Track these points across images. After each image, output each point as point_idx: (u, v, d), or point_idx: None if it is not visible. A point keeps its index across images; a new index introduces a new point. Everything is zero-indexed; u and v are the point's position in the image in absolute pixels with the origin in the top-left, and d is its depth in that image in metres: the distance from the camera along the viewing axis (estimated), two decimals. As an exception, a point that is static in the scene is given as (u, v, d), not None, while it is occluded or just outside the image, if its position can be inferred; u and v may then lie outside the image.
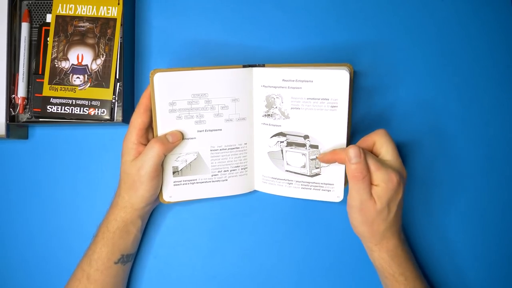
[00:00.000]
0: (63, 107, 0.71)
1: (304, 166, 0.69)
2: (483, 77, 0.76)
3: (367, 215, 0.63)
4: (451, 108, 0.75)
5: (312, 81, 0.66)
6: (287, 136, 0.69)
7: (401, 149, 0.75)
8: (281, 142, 0.69)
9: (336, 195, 0.69)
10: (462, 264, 0.74)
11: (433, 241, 0.74)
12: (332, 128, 0.67)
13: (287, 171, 0.70)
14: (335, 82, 0.65)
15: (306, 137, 0.68)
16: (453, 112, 0.75)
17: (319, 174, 0.69)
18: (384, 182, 0.62)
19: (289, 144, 0.69)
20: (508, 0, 0.76)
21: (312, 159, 0.68)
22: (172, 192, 0.69)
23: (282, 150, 0.69)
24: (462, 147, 0.75)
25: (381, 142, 0.65)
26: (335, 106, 0.66)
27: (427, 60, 0.76)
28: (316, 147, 0.68)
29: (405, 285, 0.66)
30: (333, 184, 0.69)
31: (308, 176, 0.69)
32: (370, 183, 0.62)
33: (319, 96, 0.66)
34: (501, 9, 0.76)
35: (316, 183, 0.69)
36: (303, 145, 0.68)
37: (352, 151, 0.62)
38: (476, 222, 0.75)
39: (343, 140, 0.67)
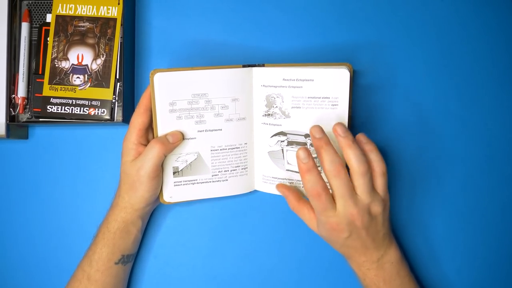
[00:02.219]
0: (63, 107, 0.71)
1: None
2: (483, 77, 0.76)
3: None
4: (451, 108, 0.75)
5: (312, 80, 0.66)
6: (288, 135, 0.69)
7: (401, 149, 0.75)
8: (281, 141, 0.69)
9: None
10: (463, 264, 0.74)
11: (433, 242, 0.74)
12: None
13: (287, 170, 0.70)
14: (336, 80, 0.65)
15: (307, 136, 0.68)
16: (453, 112, 0.75)
17: (321, 173, 0.69)
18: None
19: (290, 143, 0.69)
20: (508, 0, 0.76)
21: (313, 158, 0.68)
22: (172, 193, 0.69)
23: (282, 150, 0.70)
24: (462, 147, 0.75)
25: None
26: (335, 105, 0.66)
27: (427, 60, 0.76)
28: None
29: None
30: None
31: None
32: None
33: (320, 95, 0.66)
34: (501, 9, 0.76)
35: None
36: (304, 144, 0.68)
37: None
38: (476, 222, 0.75)
39: None
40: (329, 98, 0.66)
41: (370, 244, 0.63)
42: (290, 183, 0.70)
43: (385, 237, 0.65)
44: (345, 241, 0.63)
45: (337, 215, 0.61)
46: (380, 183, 0.62)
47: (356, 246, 0.64)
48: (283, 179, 0.71)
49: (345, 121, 0.66)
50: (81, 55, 0.72)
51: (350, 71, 0.66)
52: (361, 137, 0.63)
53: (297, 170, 0.69)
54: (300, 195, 0.68)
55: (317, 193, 0.61)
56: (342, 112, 0.66)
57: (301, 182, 0.69)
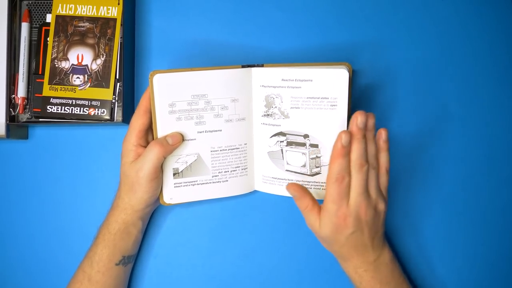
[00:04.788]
0: (63, 107, 0.71)
1: (304, 166, 0.69)
2: (483, 77, 0.76)
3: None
4: (451, 108, 0.75)
5: (311, 80, 0.66)
6: (287, 135, 0.69)
7: (401, 149, 0.75)
8: (281, 141, 0.69)
9: None
10: (463, 263, 0.75)
11: (433, 241, 0.75)
12: (332, 127, 0.67)
13: (287, 170, 0.70)
14: (334, 81, 0.65)
15: (306, 136, 0.68)
16: (453, 112, 0.75)
17: (319, 173, 0.69)
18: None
19: (289, 143, 0.69)
20: (508, 0, 0.76)
21: (312, 158, 0.68)
22: (172, 194, 0.69)
23: (282, 150, 0.70)
24: (462, 147, 0.75)
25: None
26: (334, 105, 0.66)
27: (427, 60, 0.76)
28: (316, 146, 0.68)
29: None
30: None
31: (308, 175, 0.69)
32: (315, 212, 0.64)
33: (319, 95, 0.66)
34: (502, 9, 0.76)
35: (316, 182, 0.69)
36: (303, 145, 0.68)
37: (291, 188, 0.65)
38: (476, 222, 0.75)
39: None
40: (328, 98, 0.66)
41: (369, 244, 0.64)
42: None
43: (382, 238, 0.65)
44: (347, 239, 0.63)
45: (348, 207, 0.61)
46: (383, 181, 0.64)
47: (356, 245, 0.64)
48: (282, 179, 0.71)
49: (344, 121, 0.66)
50: (81, 55, 0.72)
51: (349, 71, 0.66)
52: (383, 133, 0.64)
53: (296, 171, 0.69)
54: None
55: (342, 177, 0.61)
56: (341, 112, 0.66)
57: (300, 183, 0.69)
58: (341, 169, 0.61)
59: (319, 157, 0.68)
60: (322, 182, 0.69)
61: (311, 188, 0.70)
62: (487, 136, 0.75)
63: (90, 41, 0.72)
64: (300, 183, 0.70)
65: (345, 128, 0.67)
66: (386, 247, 0.66)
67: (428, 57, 0.76)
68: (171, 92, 0.66)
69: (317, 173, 0.69)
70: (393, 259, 0.67)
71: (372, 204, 0.62)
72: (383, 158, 0.64)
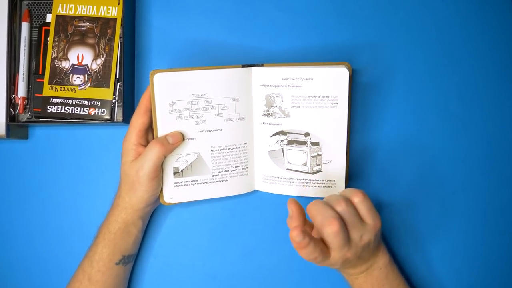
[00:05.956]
0: (63, 107, 0.71)
1: (305, 164, 0.69)
2: (483, 77, 0.76)
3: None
4: (451, 108, 0.75)
5: (312, 79, 0.67)
6: (288, 134, 0.69)
7: (401, 149, 0.75)
8: (281, 140, 0.69)
9: (337, 191, 0.69)
10: (463, 263, 0.74)
11: (433, 241, 0.75)
12: (333, 125, 0.68)
13: (288, 169, 0.70)
14: (335, 79, 0.66)
15: (307, 134, 0.69)
16: (453, 112, 0.75)
17: (320, 171, 0.69)
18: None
19: (290, 142, 0.69)
20: (508, 0, 0.76)
21: (313, 156, 0.69)
22: (173, 193, 0.69)
23: (283, 149, 0.70)
24: (462, 147, 0.75)
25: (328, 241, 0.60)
26: (335, 103, 0.67)
27: (427, 60, 0.76)
28: (317, 144, 0.69)
29: None
30: (334, 181, 0.70)
31: (309, 173, 0.70)
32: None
33: (319, 94, 0.67)
34: (502, 9, 0.76)
35: (317, 180, 0.70)
36: (304, 143, 0.69)
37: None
38: (477, 222, 0.75)
39: (343, 136, 0.68)
40: (328, 97, 0.67)
41: (361, 264, 0.64)
42: (290, 181, 0.71)
43: (375, 249, 0.64)
44: (344, 264, 0.62)
45: (332, 259, 0.60)
46: (363, 210, 0.60)
47: (346, 268, 0.65)
48: (283, 178, 0.71)
49: (345, 119, 0.67)
50: (81, 55, 0.72)
51: (349, 70, 0.66)
52: None
53: (297, 169, 0.70)
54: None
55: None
56: (341, 110, 0.67)
57: (301, 181, 0.70)
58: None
59: (320, 155, 0.69)
60: (323, 180, 0.70)
61: (312, 186, 0.70)
62: (487, 136, 0.75)
63: (90, 41, 0.72)
64: (301, 181, 0.70)
65: (346, 126, 0.68)
66: (380, 252, 0.66)
67: (428, 57, 0.76)
68: (171, 91, 0.66)
69: (318, 171, 0.70)
70: (388, 263, 0.66)
71: (356, 246, 0.60)
72: (350, 192, 0.61)
